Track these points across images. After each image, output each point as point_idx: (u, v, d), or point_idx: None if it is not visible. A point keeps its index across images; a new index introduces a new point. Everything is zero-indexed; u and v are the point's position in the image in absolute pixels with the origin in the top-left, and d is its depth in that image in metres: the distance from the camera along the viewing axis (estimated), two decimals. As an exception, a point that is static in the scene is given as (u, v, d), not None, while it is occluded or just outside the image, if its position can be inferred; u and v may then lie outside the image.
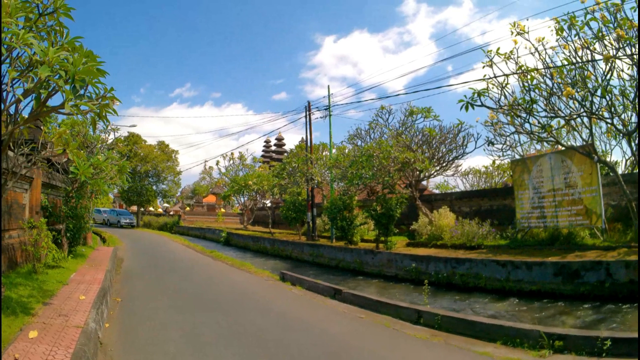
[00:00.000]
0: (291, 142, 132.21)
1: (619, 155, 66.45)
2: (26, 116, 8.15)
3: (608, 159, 19.01)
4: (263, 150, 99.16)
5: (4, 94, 7.52)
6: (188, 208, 77.09)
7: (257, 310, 12.14)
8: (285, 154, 78.52)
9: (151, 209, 77.48)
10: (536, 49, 16.04)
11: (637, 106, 15.01)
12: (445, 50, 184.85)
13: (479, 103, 16.64)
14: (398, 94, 35.57)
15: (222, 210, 69.09)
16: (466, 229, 21.11)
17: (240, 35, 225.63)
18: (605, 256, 14.38)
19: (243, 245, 39.91)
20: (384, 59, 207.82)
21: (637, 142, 16.09)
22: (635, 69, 14.99)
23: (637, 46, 14.17)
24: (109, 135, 22.67)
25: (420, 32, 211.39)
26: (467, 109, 16.38)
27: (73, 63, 6.49)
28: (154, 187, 63.64)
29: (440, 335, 9.98)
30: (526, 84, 16.16)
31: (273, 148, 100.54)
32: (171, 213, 77.11)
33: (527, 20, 16.18)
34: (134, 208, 69.11)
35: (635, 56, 14.35)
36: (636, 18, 14.16)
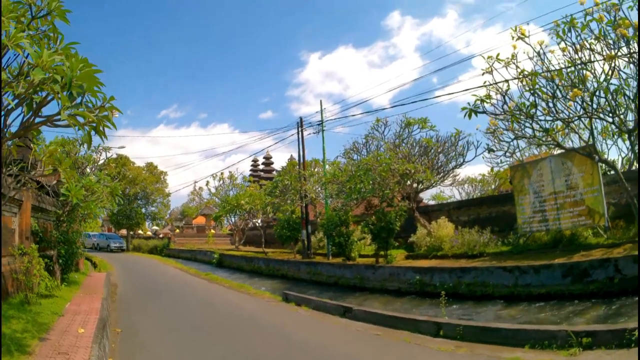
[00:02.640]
0: (279, 160, 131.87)
1: (614, 154, 67.09)
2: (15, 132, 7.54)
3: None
4: (251, 170, 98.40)
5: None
6: (178, 230, 76.58)
7: (265, 335, 11.82)
8: (274, 172, 78.10)
9: (140, 232, 76.96)
10: (537, 53, 16.19)
11: (637, 104, 15.04)
12: (431, 60, 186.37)
13: (481, 110, 16.47)
14: (393, 106, 36.09)
15: (212, 231, 68.52)
16: (466, 238, 20.93)
17: (226, 54, 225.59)
18: (611, 253, 14.41)
19: (236, 266, 39.23)
20: (369, 73, 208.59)
21: (637, 139, 16.00)
22: (632, 66, 15.26)
23: (635, 44, 14.38)
24: (100, 156, 22.13)
25: (405, 45, 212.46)
26: (469, 116, 16.25)
27: (70, 67, 5.89)
28: (143, 210, 63.33)
29: (465, 346, 9.83)
30: (529, 88, 16.06)
31: (261, 167, 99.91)
32: (161, 236, 76.59)
33: (528, 24, 16.18)
34: (124, 231, 68.73)
35: (635, 55, 14.57)
36: (632, 17, 14.36)
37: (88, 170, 20.81)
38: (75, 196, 9.63)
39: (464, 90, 37.81)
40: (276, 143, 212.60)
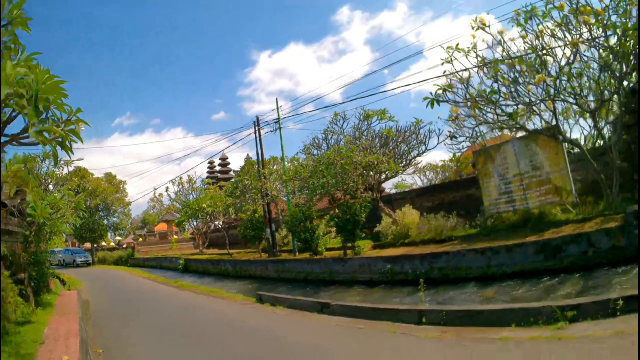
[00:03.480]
0: (236, 160, 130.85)
1: (576, 133, 69.08)
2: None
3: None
4: (208, 172, 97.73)
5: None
6: (141, 239, 75.51)
7: (247, 338, 11.62)
8: (232, 172, 77.61)
9: (104, 244, 75.89)
10: (499, 42, 16.68)
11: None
12: (382, 53, 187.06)
13: (443, 99, 16.88)
14: (351, 100, 35.98)
15: (175, 237, 67.91)
16: (433, 224, 21.13)
17: (177, 57, 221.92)
18: (583, 228, 14.72)
19: (203, 270, 38.58)
20: (320, 69, 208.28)
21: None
22: (594, 50, 15.89)
23: (597, 30, 15.14)
24: (62, 170, 21.68)
25: (355, 39, 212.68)
26: (432, 105, 16.53)
27: (35, 80, 5.49)
28: (105, 222, 62.70)
29: (451, 331, 9.89)
30: (492, 75, 16.52)
31: (218, 168, 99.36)
32: (124, 246, 75.63)
33: (488, 14, 16.82)
34: (88, 245, 67.60)
35: (598, 39, 15.22)
36: (594, 3, 15.03)
37: (51, 187, 20.38)
38: (42, 216, 9.36)
39: (422, 81, 38.50)
40: (235, 144, 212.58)
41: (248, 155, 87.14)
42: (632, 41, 14.21)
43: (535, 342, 8.10)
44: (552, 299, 11.44)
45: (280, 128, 32.86)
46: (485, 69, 16.84)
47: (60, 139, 6.12)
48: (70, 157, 6.93)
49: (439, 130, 24.70)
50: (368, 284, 19.87)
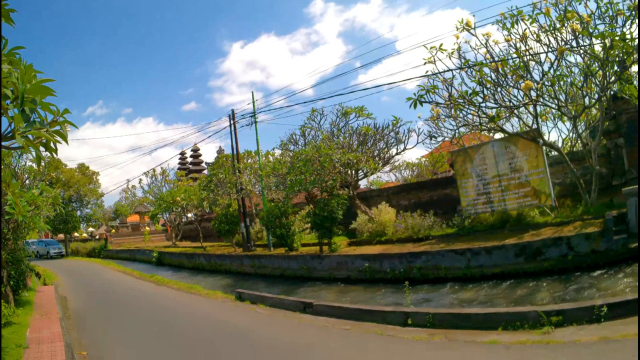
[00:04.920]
0: (207, 151, 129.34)
1: (554, 136, 70.76)
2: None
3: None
4: (179, 163, 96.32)
5: None
6: (113, 230, 74.53)
7: (230, 339, 11.41)
8: (203, 164, 76.94)
9: (76, 234, 74.84)
10: (483, 44, 16.77)
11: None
12: (355, 45, 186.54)
13: (425, 100, 16.96)
14: (331, 96, 35.57)
15: (147, 228, 67.29)
16: (410, 222, 21.19)
17: (149, 46, 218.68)
18: (562, 231, 15.02)
19: (177, 263, 38.26)
20: (292, 60, 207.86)
21: None
22: (577, 56, 16.29)
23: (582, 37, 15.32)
24: (40, 165, 21.26)
25: (328, 31, 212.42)
26: (415, 106, 16.54)
27: (20, 79, 4.89)
28: (78, 212, 61.93)
29: (438, 333, 9.91)
30: (477, 79, 16.59)
31: (189, 160, 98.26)
32: (97, 237, 74.68)
33: (475, 16, 16.82)
34: (61, 236, 66.64)
35: (583, 47, 15.44)
36: (580, 9, 15.30)
37: (27, 182, 20.02)
38: (21, 213, 9.23)
39: (406, 80, 38.54)
40: (210, 137, 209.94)
41: (220, 147, 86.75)
42: (616, 50, 14.43)
43: (524, 346, 8.24)
44: (536, 303, 11.65)
45: (255, 122, 32.64)
46: (469, 70, 16.96)
47: (44, 140, 5.89)
48: (54, 158, 6.57)
49: (418, 129, 24.87)
50: (346, 282, 19.94)
